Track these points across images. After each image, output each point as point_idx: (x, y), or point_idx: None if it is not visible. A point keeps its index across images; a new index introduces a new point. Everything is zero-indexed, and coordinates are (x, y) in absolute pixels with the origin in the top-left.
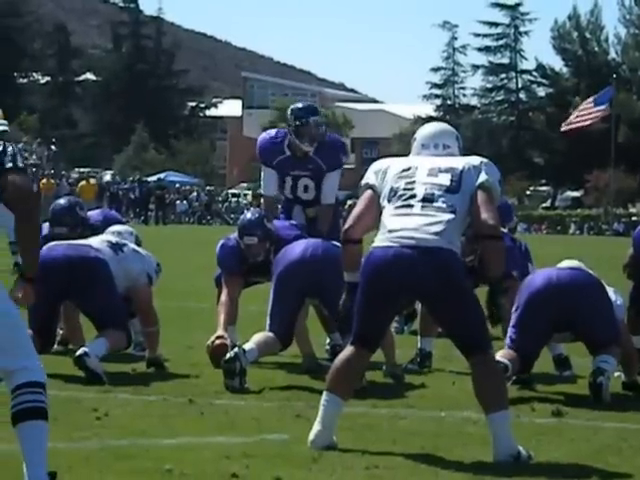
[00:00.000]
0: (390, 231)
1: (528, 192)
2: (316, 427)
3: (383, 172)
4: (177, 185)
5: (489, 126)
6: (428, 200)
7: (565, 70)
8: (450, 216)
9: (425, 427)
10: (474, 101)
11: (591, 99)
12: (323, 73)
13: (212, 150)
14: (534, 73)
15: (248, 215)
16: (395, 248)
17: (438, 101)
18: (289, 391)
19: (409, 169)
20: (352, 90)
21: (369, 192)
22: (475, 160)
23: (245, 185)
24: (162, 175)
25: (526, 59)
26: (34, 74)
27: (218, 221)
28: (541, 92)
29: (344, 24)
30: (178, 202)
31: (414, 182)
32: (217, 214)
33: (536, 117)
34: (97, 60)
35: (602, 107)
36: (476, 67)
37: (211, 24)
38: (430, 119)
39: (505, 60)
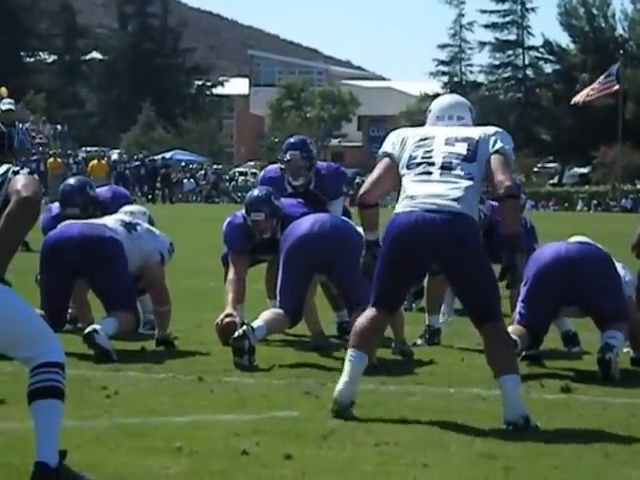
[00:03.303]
0: (411, 197)
1: (535, 169)
2: (341, 383)
3: (401, 141)
4: (184, 164)
5: (496, 103)
6: (447, 168)
7: (572, 46)
8: (468, 183)
9: (434, 404)
10: (481, 78)
11: (602, 77)
12: (330, 51)
13: (219, 128)
14: (541, 50)
15: (255, 192)
16: (417, 213)
17: (445, 78)
18: (298, 368)
19: (427, 139)
20: (359, 67)
21: (386, 160)
22: (490, 130)
23: (252, 163)
24: (169, 154)
25: (533, 35)
26: (41, 53)
27: (225, 199)
28: (548, 69)
29: (350, 1)
30: (185, 181)
31: (432, 151)
32: (224, 192)
33: (543, 94)
34: (103, 39)
35: (609, 79)
36: (483, 44)
37: (217, 2)
38: (437, 96)
39: (512, 37)
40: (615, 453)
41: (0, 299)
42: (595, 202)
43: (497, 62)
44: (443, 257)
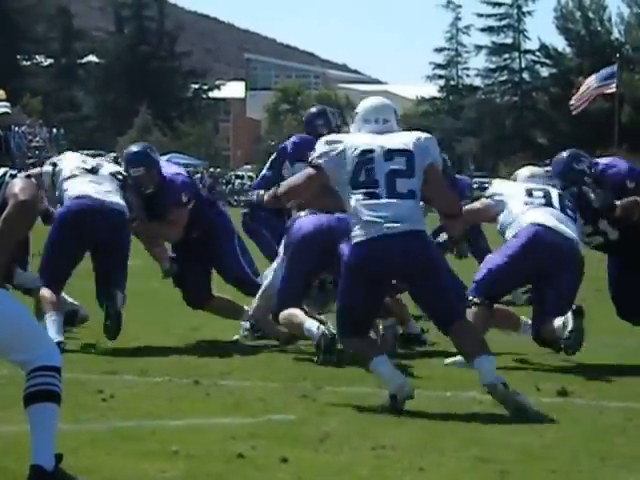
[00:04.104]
0: (363, 225)
1: None
2: (395, 382)
3: (338, 154)
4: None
5: (492, 106)
6: (390, 188)
7: (568, 50)
8: (412, 201)
9: (431, 407)
10: (477, 82)
11: (593, 77)
12: (326, 54)
13: (215, 132)
14: (537, 53)
15: (132, 148)
16: (369, 240)
17: (441, 82)
18: (295, 372)
19: (366, 152)
20: (355, 71)
21: (313, 171)
22: (421, 139)
23: (248, 167)
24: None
25: (529, 39)
26: (37, 57)
27: (222, 203)
28: (544, 72)
29: (347, 5)
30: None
31: (374, 169)
32: (221, 196)
33: (539, 97)
34: (100, 42)
35: (608, 82)
36: (479, 47)
37: (214, 6)
38: (434, 100)
39: (508, 40)
40: (611, 457)
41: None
42: None
43: (493, 66)
44: (408, 276)
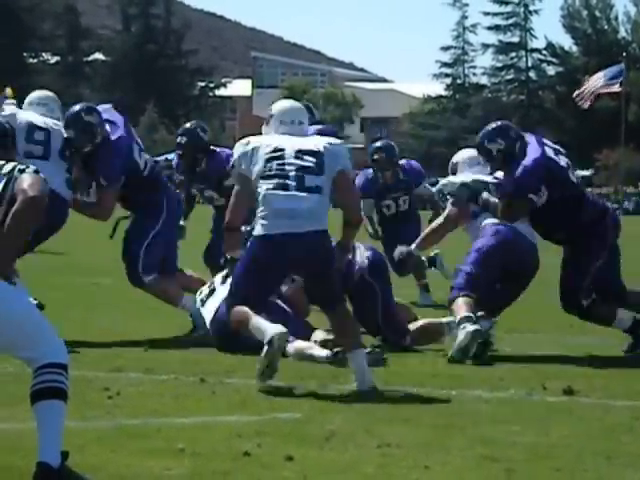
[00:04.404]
0: (271, 214)
1: None
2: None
3: (250, 154)
4: None
5: (499, 105)
6: (299, 182)
7: (575, 49)
8: (318, 196)
9: (436, 406)
10: (484, 80)
11: (601, 73)
12: (333, 52)
13: (222, 130)
14: (544, 52)
15: (70, 110)
16: (278, 235)
17: (448, 80)
18: (300, 370)
19: (278, 150)
20: (362, 69)
21: (238, 186)
22: (331, 142)
23: None
24: (172, 155)
25: (536, 38)
26: (44, 54)
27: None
28: (551, 71)
29: (353, 3)
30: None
31: (284, 164)
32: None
33: (546, 96)
34: (107, 40)
35: (614, 81)
36: (486, 46)
37: (220, 4)
38: (440, 98)
39: (515, 39)
40: (617, 456)
41: (4, 299)
42: None
43: (500, 64)
44: (305, 270)
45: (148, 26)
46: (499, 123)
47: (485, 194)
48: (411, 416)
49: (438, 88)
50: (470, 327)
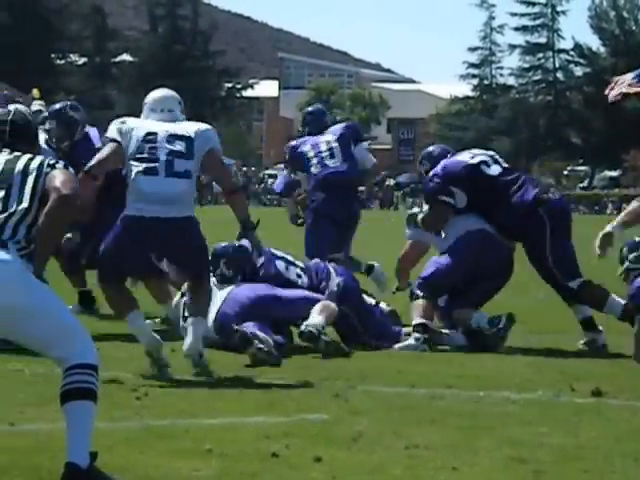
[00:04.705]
0: (140, 195)
1: (565, 172)
2: (146, 338)
3: (127, 132)
4: None
5: (526, 106)
6: (169, 166)
7: (602, 50)
8: (187, 181)
9: (464, 407)
10: (511, 81)
11: (630, 74)
12: (359, 53)
13: (249, 131)
14: (571, 53)
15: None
16: (146, 218)
17: (475, 81)
18: (327, 371)
19: (151, 134)
20: (388, 70)
21: (114, 144)
22: (201, 128)
23: (281, 166)
24: None
25: (563, 38)
26: (71, 55)
27: (255, 202)
28: (578, 72)
29: (381, 4)
30: (214, 183)
31: (156, 148)
32: (254, 195)
33: (573, 97)
34: (134, 41)
35: None
36: (513, 47)
37: (248, 5)
38: (467, 99)
39: (542, 40)
40: None
41: (38, 298)
42: (625, 205)
43: (527, 65)
44: (169, 253)
45: (175, 27)
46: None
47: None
48: (439, 417)
49: (465, 89)
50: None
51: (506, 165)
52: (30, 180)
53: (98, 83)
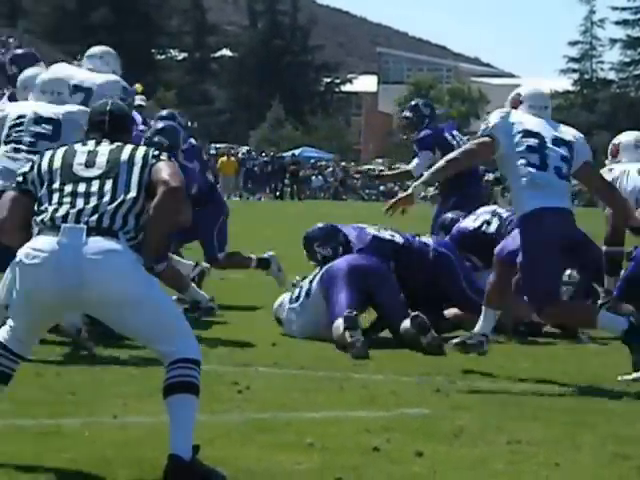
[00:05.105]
0: (6, 170)
1: None
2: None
3: (2, 120)
4: (312, 161)
5: (627, 100)
6: (31, 147)
7: None
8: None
9: (567, 403)
10: (612, 75)
11: None
12: (458, 48)
13: (347, 126)
14: None
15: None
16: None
17: (575, 75)
18: (427, 366)
19: (19, 118)
20: (487, 65)
21: None
22: (69, 111)
23: (380, 160)
24: (297, 151)
25: None
26: (171, 51)
27: (353, 197)
28: None
29: None
30: (313, 177)
31: (22, 130)
32: (352, 189)
33: None
34: (233, 36)
35: None
36: (614, 41)
37: None
38: (567, 93)
39: None
40: None
41: (148, 290)
42: None
43: (628, 59)
44: None
45: (274, 22)
46: None
47: None
48: (541, 413)
49: (565, 83)
50: None
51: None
52: (136, 170)
53: (198, 78)
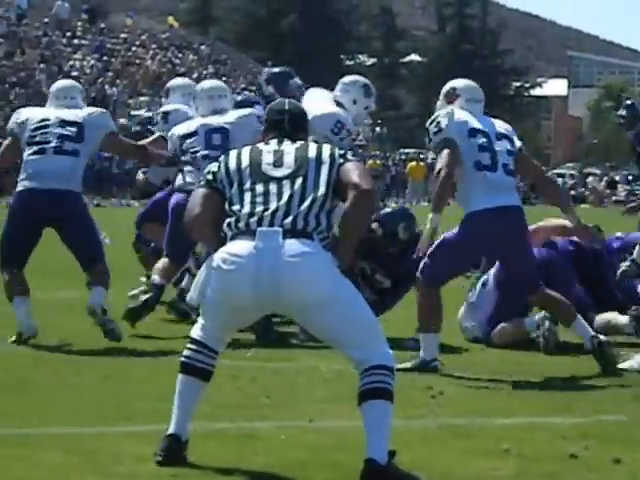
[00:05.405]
0: (27, 175)
1: None
2: (22, 323)
3: (22, 123)
4: None
5: None
6: (59, 146)
7: None
8: (75, 158)
9: None
10: None
11: None
12: None
13: (537, 130)
14: None
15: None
16: (26, 191)
17: None
18: (629, 373)
19: (43, 121)
20: None
21: (9, 139)
22: (91, 113)
23: (570, 165)
24: None
25: None
26: (360, 56)
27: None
28: None
29: None
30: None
31: (47, 132)
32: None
33: None
34: (422, 41)
35: None
36: None
37: (536, 3)
38: None
39: None
40: None
41: (344, 292)
42: None
43: None
44: (61, 226)
45: (463, 26)
46: None
47: None
48: None
49: None
50: None
51: None
52: (325, 169)
53: (387, 84)
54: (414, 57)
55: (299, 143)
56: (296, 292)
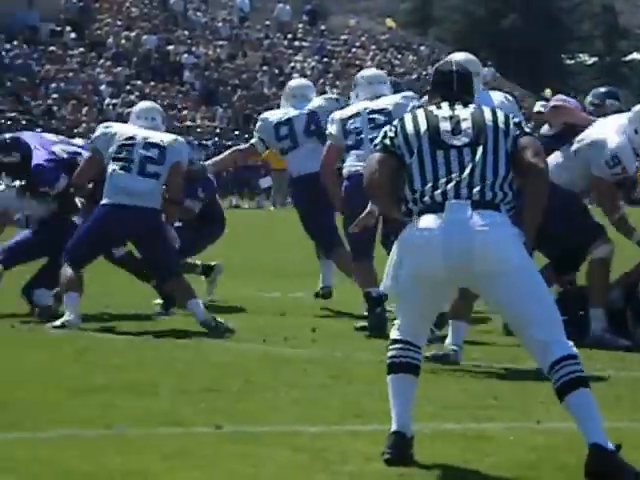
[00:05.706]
0: (113, 189)
1: None
2: None
3: (110, 137)
4: None
5: None
6: (141, 168)
7: None
8: (154, 181)
9: None
10: None
11: None
12: None
13: None
14: None
15: None
16: (115, 205)
17: None
18: None
19: (129, 139)
20: None
21: (90, 154)
22: (176, 139)
23: None
24: None
25: None
26: (581, 55)
27: None
28: None
29: None
30: None
31: (132, 151)
32: None
33: None
34: None
35: None
36: None
37: None
38: None
39: None
40: None
41: (529, 265)
42: None
43: None
44: (140, 240)
45: None
46: None
47: None
48: None
49: None
50: None
51: None
52: (501, 137)
53: (607, 83)
54: (636, 56)
55: (472, 107)
56: (487, 258)
